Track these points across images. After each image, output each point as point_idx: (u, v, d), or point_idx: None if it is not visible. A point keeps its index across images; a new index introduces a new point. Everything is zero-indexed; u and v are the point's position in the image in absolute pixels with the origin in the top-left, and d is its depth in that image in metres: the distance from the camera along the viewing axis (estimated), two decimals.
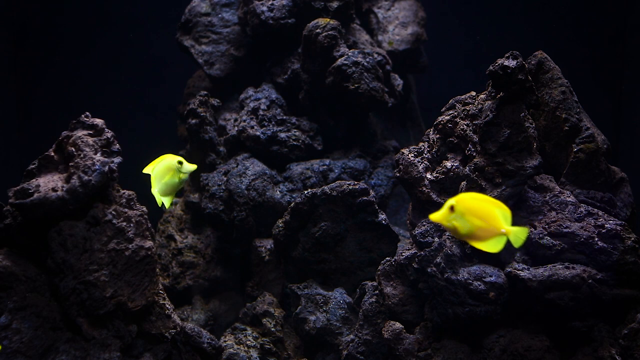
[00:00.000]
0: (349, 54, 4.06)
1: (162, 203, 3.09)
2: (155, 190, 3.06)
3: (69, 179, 3.08)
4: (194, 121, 4.27)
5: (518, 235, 2.50)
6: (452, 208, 2.55)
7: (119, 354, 3.08)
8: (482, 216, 2.52)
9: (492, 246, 2.52)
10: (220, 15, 4.65)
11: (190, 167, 3.07)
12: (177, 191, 3.17)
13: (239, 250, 4.24)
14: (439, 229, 3.18)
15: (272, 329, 3.72)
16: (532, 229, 3.05)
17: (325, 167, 4.12)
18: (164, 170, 3.07)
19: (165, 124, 5.11)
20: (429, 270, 3.10)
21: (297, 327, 3.70)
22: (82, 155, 3.11)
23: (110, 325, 3.10)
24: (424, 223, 3.22)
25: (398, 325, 3.18)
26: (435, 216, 2.60)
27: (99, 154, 3.15)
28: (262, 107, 4.22)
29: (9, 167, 5.18)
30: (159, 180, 3.07)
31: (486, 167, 3.05)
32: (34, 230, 3.08)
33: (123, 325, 3.12)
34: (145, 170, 3.09)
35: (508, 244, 2.57)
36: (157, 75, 5.38)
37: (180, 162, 3.06)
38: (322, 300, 3.65)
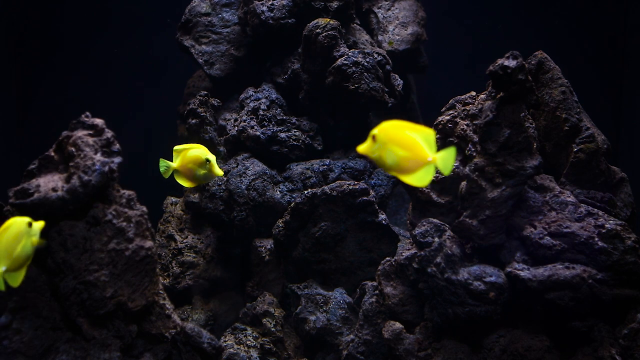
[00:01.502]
0: (349, 54, 4.06)
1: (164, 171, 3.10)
2: (172, 164, 3.06)
3: (69, 179, 3.08)
4: (194, 121, 4.27)
5: (445, 160, 2.29)
6: (374, 137, 2.38)
7: (119, 354, 3.08)
8: (405, 145, 2.33)
9: (420, 179, 2.32)
10: (220, 15, 4.65)
11: (217, 170, 3.05)
12: (194, 184, 3.17)
13: (239, 250, 4.24)
14: (439, 229, 3.18)
15: (272, 329, 3.72)
16: (532, 229, 3.05)
17: (325, 167, 4.11)
18: (193, 159, 3.05)
19: (165, 124, 5.11)
20: (429, 270, 3.10)
21: (297, 327, 3.70)
22: (82, 155, 3.11)
23: (110, 325, 3.10)
24: (424, 223, 3.22)
25: (398, 325, 3.18)
26: (360, 148, 2.42)
27: (99, 154, 3.15)
28: (262, 107, 4.22)
29: (9, 167, 5.18)
30: (184, 161, 3.06)
31: (486, 167, 3.05)
32: None
33: (123, 325, 3.12)
34: (177, 148, 3.08)
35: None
36: (157, 75, 5.38)
37: (208, 160, 3.05)
38: (322, 300, 3.65)
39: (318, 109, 4.28)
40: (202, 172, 3.07)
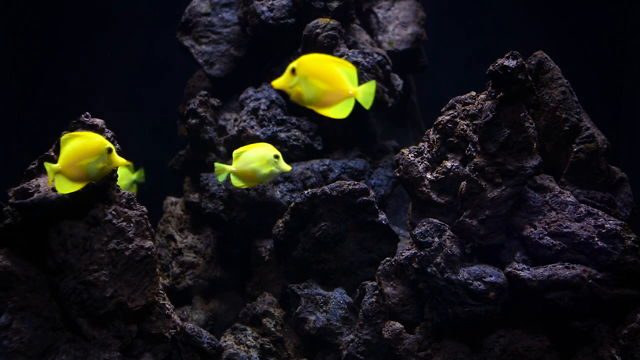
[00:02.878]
0: (349, 53, 4.06)
1: (225, 179, 3.05)
2: (232, 167, 3.02)
3: None
4: (194, 121, 4.27)
5: (366, 93, 2.27)
6: (293, 71, 2.31)
7: (119, 354, 3.08)
8: (326, 79, 2.28)
9: (340, 111, 2.30)
10: (220, 15, 4.65)
11: (284, 166, 3.02)
12: (254, 184, 3.12)
13: (239, 250, 4.24)
14: (439, 229, 3.18)
15: (272, 329, 3.72)
16: (532, 229, 3.05)
17: (325, 167, 4.11)
18: (258, 157, 3.02)
19: (165, 124, 5.11)
20: (429, 270, 3.10)
21: (297, 327, 3.70)
22: None
23: (110, 325, 3.10)
24: (424, 223, 3.22)
25: (398, 325, 3.18)
26: (276, 82, 2.36)
27: None
28: (262, 107, 4.22)
29: (9, 167, 5.18)
30: (246, 161, 3.02)
31: (486, 167, 3.05)
32: (34, 230, 3.08)
33: (123, 325, 3.12)
34: (237, 151, 3.05)
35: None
36: (157, 75, 5.38)
37: (276, 157, 3.01)
38: (322, 300, 3.65)
39: None
40: (269, 169, 3.03)
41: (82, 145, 2.78)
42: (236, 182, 3.09)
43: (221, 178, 3.09)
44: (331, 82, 2.28)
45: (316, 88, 2.29)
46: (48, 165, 2.84)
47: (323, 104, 2.31)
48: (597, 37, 5.33)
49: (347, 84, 2.28)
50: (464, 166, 3.21)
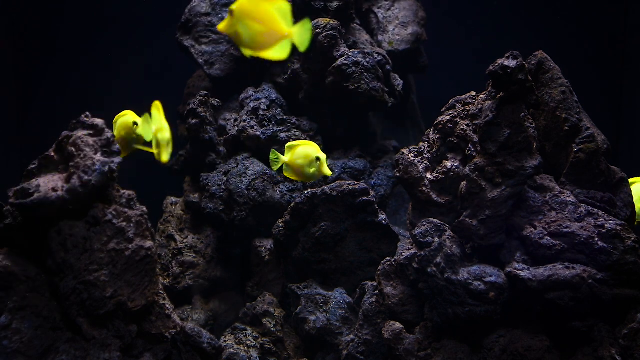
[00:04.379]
0: (349, 54, 4.06)
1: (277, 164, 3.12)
2: (283, 157, 3.06)
3: (69, 179, 3.08)
4: (194, 121, 4.27)
5: (302, 34, 2.28)
6: (231, 13, 2.32)
7: (119, 354, 3.08)
8: (261, 19, 2.29)
9: (277, 53, 2.29)
10: (220, 15, 4.65)
11: (325, 170, 3.03)
12: (300, 180, 3.17)
13: (239, 250, 4.24)
14: (439, 229, 3.18)
15: (272, 329, 3.72)
16: (532, 229, 3.05)
17: None
18: (304, 155, 3.03)
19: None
20: (429, 270, 3.10)
21: (297, 327, 3.70)
22: (82, 155, 3.11)
23: (110, 325, 3.10)
24: (424, 223, 3.22)
25: (398, 325, 3.18)
26: (220, 25, 2.38)
27: (99, 154, 3.15)
28: (262, 107, 4.22)
29: (9, 167, 5.18)
30: (296, 157, 3.03)
31: (486, 167, 3.05)
32: (34, 230, 3.08)
33: (123, 325, 3.12)
34: (290, 144, 3.07)
35: None
36: (157, 75, 5.37)
37: (318, 159, 3.02)
38: (322, 300, 3.65)
39: (318, 109, 4.28)
40: (312, 169, 3.04)
41: (120, 122, 3.33)
42: (287, 173, 3.12)
43: (275, 166, 3.12)
44: (265, 22, 2.28)
45: (252, 29, 2.29)
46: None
47: (261, 46, 2.30)
48: (597, 37, 5.33)
49: (281, 25, 2.27)
50: (464, 166, 3.21)
